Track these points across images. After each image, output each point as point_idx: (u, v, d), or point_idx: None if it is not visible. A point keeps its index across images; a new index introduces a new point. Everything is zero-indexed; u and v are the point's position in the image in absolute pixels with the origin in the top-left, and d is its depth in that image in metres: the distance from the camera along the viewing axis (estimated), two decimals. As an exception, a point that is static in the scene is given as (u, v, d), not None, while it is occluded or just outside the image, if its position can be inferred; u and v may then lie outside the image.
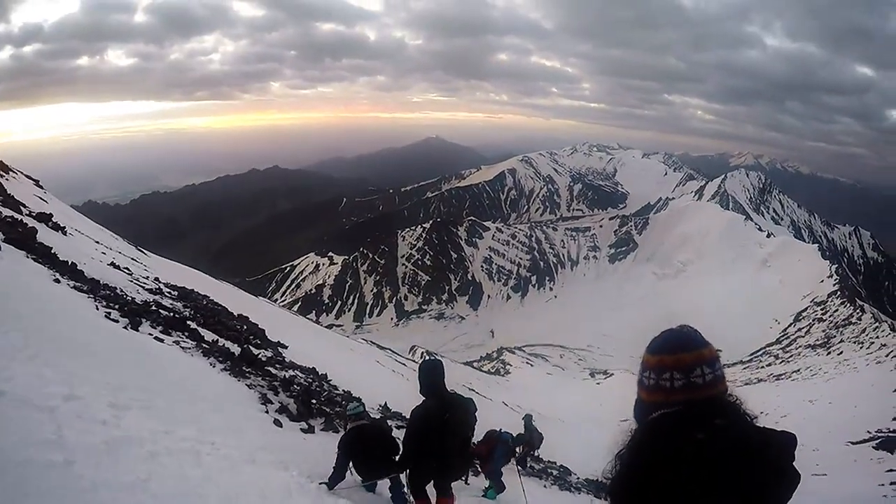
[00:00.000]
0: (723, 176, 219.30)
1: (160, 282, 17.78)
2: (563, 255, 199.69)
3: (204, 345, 10.89)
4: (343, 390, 13.71)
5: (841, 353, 79.63)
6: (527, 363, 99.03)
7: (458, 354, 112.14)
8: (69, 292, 9.72)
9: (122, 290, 12.72)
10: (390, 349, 55.75)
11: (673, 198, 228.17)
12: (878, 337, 79.73)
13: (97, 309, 9.44)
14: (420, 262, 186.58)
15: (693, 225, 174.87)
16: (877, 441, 39.57)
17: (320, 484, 5.90)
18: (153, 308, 12.25)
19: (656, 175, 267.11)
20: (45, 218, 17.46)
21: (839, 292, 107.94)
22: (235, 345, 12.51)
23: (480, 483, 10.49)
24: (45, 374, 4.49)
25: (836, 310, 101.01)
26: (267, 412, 8.60)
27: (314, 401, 10.62)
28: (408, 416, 6.04)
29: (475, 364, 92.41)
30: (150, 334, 9.72)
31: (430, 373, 4.97)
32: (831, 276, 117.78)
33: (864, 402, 49.58)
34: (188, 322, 12.45)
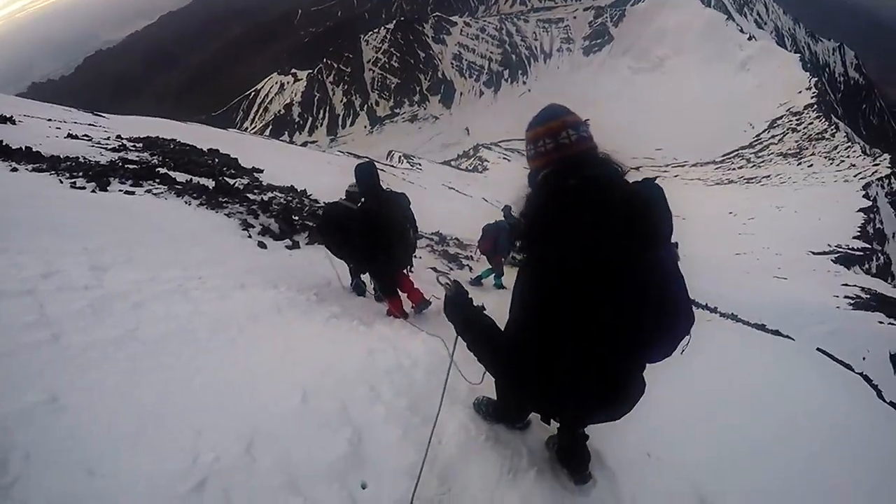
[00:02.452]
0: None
1: (122, 138, 16.96)
2: (536, 47, 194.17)
3: (177, 186, 10.52)
4: (324, 202, 13.67)
5: (811, 165, 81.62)
6: (504, 158, 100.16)
7: (435, 155, 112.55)
8: (29, 175, 9.22)
9: (84, 158, 12.16)
10: (368, 157, 55.46)
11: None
12: (849, 156, 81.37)
13: (61, 182, 9.00)
14: (387, 65, 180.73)
15: (672, 20, 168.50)
16: (836, 255, 41.98)
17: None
18: (120, 165, 11.66)
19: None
20: (-11, 113, 16.08)
21: (816, 105, 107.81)
22: (210, 179, 12.14)
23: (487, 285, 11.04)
24: (19, 261, 4.37)
25: (811, 123, 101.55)
26: (250, 237, 8.54)
27: (296, 217, 10.59)
28: None
29: (452, 163, 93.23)
30: (121, 190, 9.34)
31: (364, 174, 5.32)
32: (810, 88, 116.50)
33: (829, 216, 51.85)
34: (158, 169, 11.97)
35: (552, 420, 2.80)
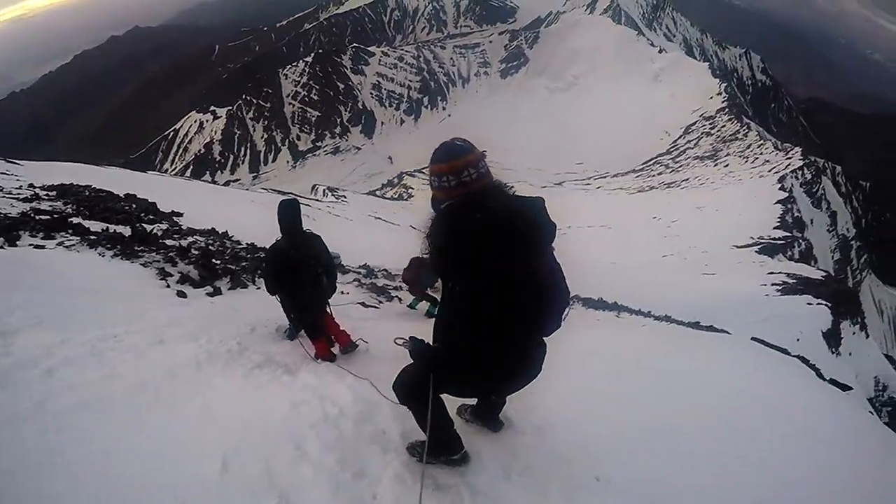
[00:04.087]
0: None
1: (35, 187, 15.97)
2: (454, 73, 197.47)
3: (90, 237, 9.89)
4: (247, 244, 13.31)
5: (727, 165, 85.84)
6: (427, 185, 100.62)
7: (360, 185, 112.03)
8: None
9: None
10: (292, 193, 54.62)
11: (564, 11, 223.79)
12: (762, 153, 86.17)
13: None
14: (307, 99, 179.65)
15: (585, 39, 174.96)
16: (759, 246, 43.92)
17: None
18: (31, 216, 10.93)
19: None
20: None
21: (727, 109, 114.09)
22: (126, 227, 11.51)
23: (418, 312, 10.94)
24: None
25: (724, 125, 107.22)
26: (168, 286, 8.06)
27: (217, 261, 10.16)
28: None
29: (378, 192, 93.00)
30: (31, 245, 8.67)
31: (283, 212, 5.25)
32: (720, 93, 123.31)
33: (748, 211, 54.34)
34: (71, 219, 11.23)
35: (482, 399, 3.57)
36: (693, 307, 20.69)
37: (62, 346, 4.48)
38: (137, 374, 4.24)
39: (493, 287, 2.46)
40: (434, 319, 2.90)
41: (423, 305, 10.86)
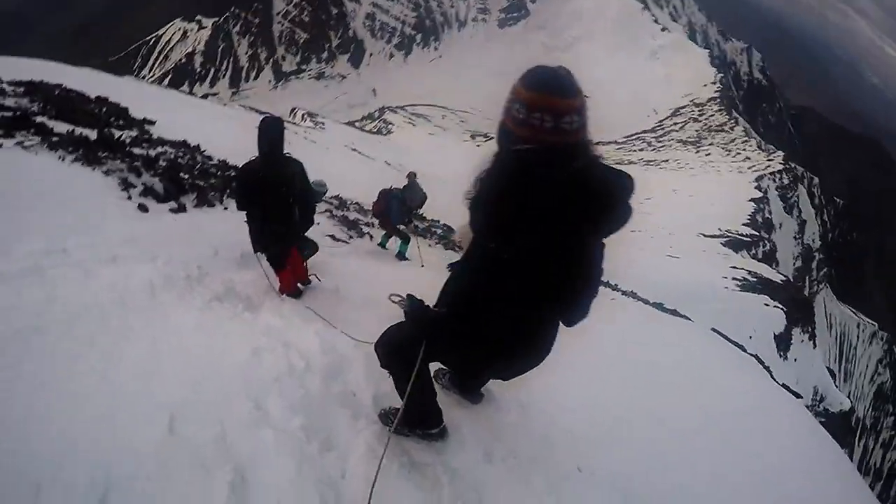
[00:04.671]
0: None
1: (2, 82, 14.86)
2: (451, 14, 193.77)
3: (52, 138, 9.15)
4: (218, 160, 12.81)
5: (709, 154, 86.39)
6: (409, 123, 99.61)
7: (340, 115, 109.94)
8: None
9: None
10: (270, 113, 52.89)
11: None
12: (745, 150, 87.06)
13: None
14: (297, 19, 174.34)
15: (590, 2, 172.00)
16: (725, 239, 44.62)
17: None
18: (-8, 112, 10.10)
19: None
20: None
21: (719, 99, 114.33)
22: (93, 131, 10.76)
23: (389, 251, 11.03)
24: None
25: (713, 115, 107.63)
26: (129, 198, 7.44)
27: (185, 175, 9.62)
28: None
29: (357, 124, 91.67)
30: (-12, 143, 7.96)
31: (264, 130, 4.82)
32: (715, 83, 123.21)
33: (721, 203, 54.96)
34: (35, 117, 10.41)
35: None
36: (657, 287, 20.99)
37: (0, 260, 3.97)
38: (82, 298, 3.71)
39: (547, 261, 2.08)
40: (448, 280, 2.51)
41: (394, 244, 10.92)
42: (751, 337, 26.15)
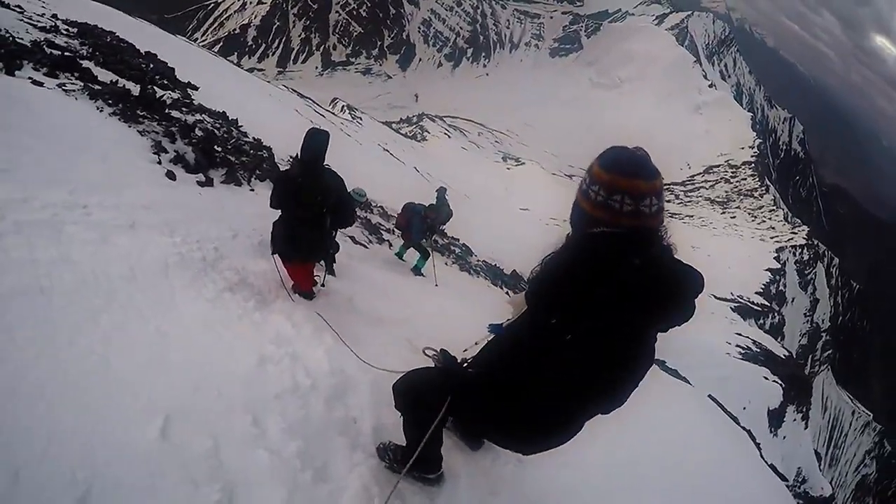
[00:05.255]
0: (690, 12, 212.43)
1: (58, 19, 14.97)
2: (506, 35, 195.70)
3: (94, 86, 9.11)
4: (254, 138, 12.67)
5: (734, 217, 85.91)
6: (445, 134, 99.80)
7: (379, 113, 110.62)
8: None
9: (6, 31, 10.51)
10: (311, 99, 53.31)
11: (633, 14, 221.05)
12: (770, 219, 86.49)
13: None
14: (355, 12, 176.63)
15: (643, 47, 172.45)
16: (736, 304, 44.14)
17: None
18: (41, 48, 10.13)
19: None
20: None
21: (754, 164, 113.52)
22: (136, 85, 10.72)
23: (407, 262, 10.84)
24: None
25: (745, 179, 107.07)
26: (160, 163, 7.33)
27: (218, 148, 9.38)
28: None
29: (394, 125, 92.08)
30: (30, 79, 7.90)
31: (309, 142, 4.80)
32: (753, 147, 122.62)
33: (738, 267, 54.56)
34: (81, 61, 10.41)
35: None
36: (660, 343, 20.69)
37: (19, 207, 3.85)
38: (94, 264, 3.60)
39: (608, 345, 1.96)
40: (489, 343, 2.36)
41: (412, 256, 10.78)
42: (745, 408, 25.86)
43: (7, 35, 10.22)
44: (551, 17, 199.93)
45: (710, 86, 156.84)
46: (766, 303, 50.30)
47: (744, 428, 16.20)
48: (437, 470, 2.81)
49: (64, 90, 8.25)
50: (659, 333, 2.09)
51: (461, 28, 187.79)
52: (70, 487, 1.96)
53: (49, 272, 3.23)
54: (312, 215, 4.94)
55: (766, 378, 30.79)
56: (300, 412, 2.97)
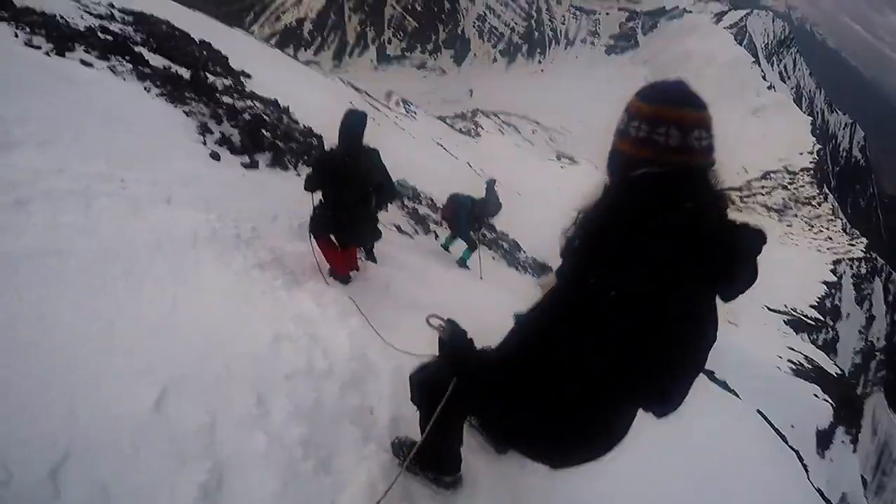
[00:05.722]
0: (749, 10, 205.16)
1: (113, 7, 15.32)
2: (561, 31, 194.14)
3: (144, 69, 9.24)
4: (305, 126, 12.60)
5: (790, 226, 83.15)
6: (499, 130, 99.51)
7: (433, 108, 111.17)
8: None
9: (61, 16, 10.82)
10: (366, 92, 53.79)
11: (691, 11, 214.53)
12: (828, 229, 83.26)
13: (16, 36, 7.82)
14: (410, 7, 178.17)
15: (701, 46, 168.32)
16: (789, 317, 42.63)
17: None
18: (94, 33, 10.36)
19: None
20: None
21: (812, 171, 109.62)
22: (189, 71, 10.87)
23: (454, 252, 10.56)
24: None
25: (803, 186, 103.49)
26: (204, 143, 7.34)
27: (266, 133, 9.33)
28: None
29: (448, 120, 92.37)
30: (81, 60, 8.08)
31: (349, 124, 4.79)
32: (812, 153, 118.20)
33: (793, 279, 52.60)
34: (134, 46, 10.59)
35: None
36: (712, 352, 20.14)
37: (53, 176, 3.82)
38: (120, 235, 3.55)
39: (662, 312, 1.58)
40: (511, 330, 1.96)
41: (459, 249, 10.50)
42: (793, 426, 24.81)
43: (60, 19, 10.52)
44: (608, 14, 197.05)
45: (769, 87, 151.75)
46: (821, 317, 48.39)
47: (792, 448, 15.52)
48: (454, 472, 2.54)
49: (113, 71, 8.41)
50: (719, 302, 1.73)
51: (516, 24, 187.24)
52: (47, 452, 1.85)
53: (71, 238, 3.20)
54: (359, 195, 4.92)
55: (817, 396, 29.59)
56: (311, 396, 2.77)
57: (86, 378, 2.19)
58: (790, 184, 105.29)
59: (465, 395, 2.01)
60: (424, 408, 2.24)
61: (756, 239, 1.67)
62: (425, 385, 2.19)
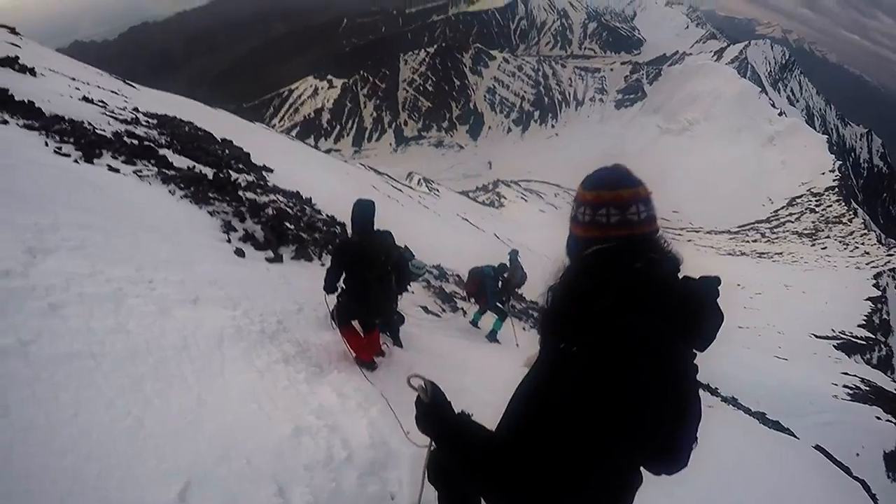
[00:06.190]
0: (746, 42, 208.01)
1: (139, 111, 16.28)
2: (570, 93, 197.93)
3: (168, 171, 9.76)
4: (328, 215, 12.98)
5: (825, 248, 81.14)
6: (521, 198, 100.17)
7: (455, 183, 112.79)
8: (14, 132, 8.47)
9: (89, 123, 11.57)
10: (388, 174, 55.12)
11: (690, 53, 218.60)
12: (863, 243, 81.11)
13: (46, 145, 8.32)
14: (422, 88, 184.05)
15: (706, 85, 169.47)
16: (838, 341, 41.01)
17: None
18: (121, 138, 11.08)
19: (677, 27, 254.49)
20: (8, 62, 15.79)
21: (837, 189, 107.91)
22: (211, 170, 11.39)
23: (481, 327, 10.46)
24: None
25: (830, 205, 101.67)
26: (229, 241, 7.66)
27: (290, 226, 9.71)
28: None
29: (470, 194, 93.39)
30: (108, 166, 8.57)
31: (359, 212, 5.16)
32: (834, 171, 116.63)
33: (836, 301, 50.99)
34: (158, 149, 11.20)
35: None
36: (760, 393, 19.53)
37: (85, 280, 4.03)
38: (149, 334, 3.74)
39: (628, 386, 1.55)
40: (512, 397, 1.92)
41: (488, 321, 10.29)
42: (858, 454, 23.60)
43: (88, 126, 11.13)
44: (611, 69, 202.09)
45: (780, 114, 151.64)
46: (871, 335, 46.34)
47: (857, 478, 14.76)
48: None
49: (139, 175, 8.82)
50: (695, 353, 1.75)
51: (525, 92, 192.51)
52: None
53: (103, 340, 3.37)
54: (379, 274, 5.21)
55: (879, 418, 28.05)
56: (330, 485, 2.86)
57: (117, 474, 2.34)
58: (817, 206, 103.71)
59: (442, 460, 2.05)
60: (441, 487, 2.30)
61: (711, 283, 1.78)
62: (440, 464, 2.24)
